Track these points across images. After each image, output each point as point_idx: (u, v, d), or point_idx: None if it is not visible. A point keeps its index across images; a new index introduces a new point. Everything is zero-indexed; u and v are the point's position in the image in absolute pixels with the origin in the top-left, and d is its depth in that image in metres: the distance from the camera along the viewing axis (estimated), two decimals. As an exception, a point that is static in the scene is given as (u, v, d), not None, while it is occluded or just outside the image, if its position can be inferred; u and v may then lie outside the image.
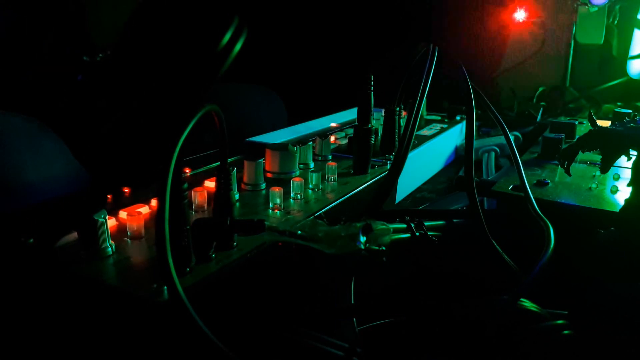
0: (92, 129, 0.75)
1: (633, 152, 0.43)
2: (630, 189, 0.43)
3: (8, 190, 0.53)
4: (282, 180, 0.53)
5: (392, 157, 0.61)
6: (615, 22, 1.13)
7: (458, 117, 0.89)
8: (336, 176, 0.54)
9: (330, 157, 0.62)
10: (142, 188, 0.47)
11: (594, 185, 0.53)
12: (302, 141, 0.58)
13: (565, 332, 0.32)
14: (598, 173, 0.56)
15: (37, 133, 0.60)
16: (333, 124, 0.79)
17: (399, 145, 0.51)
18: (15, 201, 0.54)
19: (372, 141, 0.57)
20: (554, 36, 1.23)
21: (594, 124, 0.47)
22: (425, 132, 0.78)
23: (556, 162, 0.62)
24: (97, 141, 0.71)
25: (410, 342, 0.33)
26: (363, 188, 0.53)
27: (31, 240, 0.36)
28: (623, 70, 1.12)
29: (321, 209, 0.46)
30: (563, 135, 0.67)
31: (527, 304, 0.33)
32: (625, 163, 0.49)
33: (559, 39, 1.22)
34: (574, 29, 1.16)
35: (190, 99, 0.30)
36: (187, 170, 0.54)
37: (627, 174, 0.51)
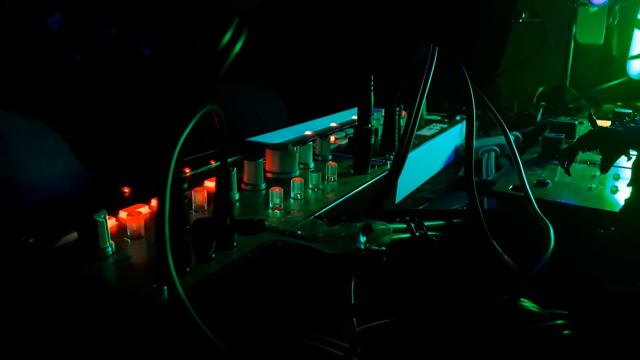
0: (94, 128, 0.75)
1: (633, 152, 0.44)
2: (630, 189, 0.43)
3: (12, 189, 0.53)
4: (282, 180, 0.53)
5: (392, 157, 0.61)
6: (615, 22, 1.13)
7: (458, 117, 0.89)
8: (336, 176, 0.54)
9: (330, 157, 0.62)
10: (142, 188, 0.47)
11: (594, 185, 0.53)
12: (302, 141, 0.58)
13: (565, 332, 0.32)
14: (598, 173, 0.56)
15: (40, 133, 0.60)
16: (333, 124, 0.79)
17: (399, 145, 0.51)
18: (19, 200, 0.54)
19: (372, 141, 0.57)
20: (554, 36, 1.23)
21: (594, 124, 0.47)
22: (425, 132, 0.78)
23: (556, 162, 0.62)
24: (99, 141, 0.72)
25: (410, 342, 0.33)
26: (363, 188, 0.53)
27: (31, 240, 0.36)
28: (623, 70, 1.13)
29: (321, 209, 0.46)
30: (563, 135, 0.67)
31: (527, 304, 0.33)
32: (625, 163, 0.49)
33: (559, 39, 1.22)
34: (574, 29, 1.16)
35: (190, 99, 0.30)
36: (187, 170, 0.54)
37: (627, 174, 0.51)
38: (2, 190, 0.53)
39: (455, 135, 0.85)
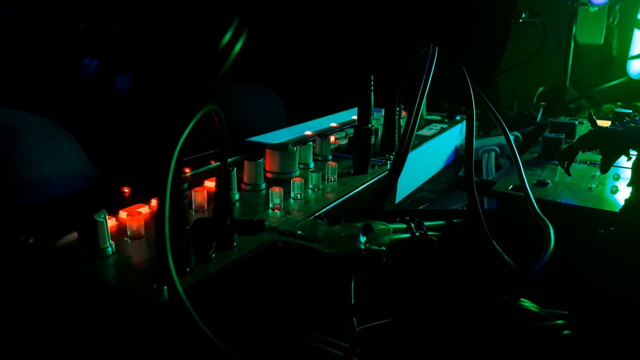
0: (93, 127, 0.75)
1: (633, 152, 0.44)
2: (630, 189, 0.43)
3: (26, 185, 0.54)
4: (282, 180, 0.53)
5: (392, 157, 0.61)
6: (615, 22, 1.13)
7: (458, 117, 0.89)
8: (336, 176, 0.54)
9: (330, 157, 0.62)
10: (143, 188, 0.47)
11: (594, 185, 0.53)
12: (302, 141, 0.58)
13: (565, 332, 0.32)
14: (598, 173, 0.56)
15: (51, 131, 0.61)
16: (333, 124, 0.79)
17: (399, 145, 0.51)
18: (33, 196, 0.55)
19: (372, 141, 0.57)
20: (554, 36, 1.23)
21: (594, 124, 0.47)
22: (425, 132, 0.78)
23: (556, 162, 0.62)
24: (100, 140, 0.72)
25: (410, 342, 0.33)
26: (363, 188, 0.53)
27: (31, 240, 0.36)
28: (623, 70, 1.12)
29: (321, 209, 0.46)
30: (563, 135, 0.67)
31: (527, 304, 0.33)
32: (625, 163, 0.49)
33: (559, 39, 1.22)
34: (574, 29, 1.16)
35: (190, 99, 0.30)
36: (187, 170, 0.54)
37: (627, 174, 0.51)
38: (17, 186, 0.54)
39: (455, 135, 0.85)
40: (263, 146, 0.56)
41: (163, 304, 0.30)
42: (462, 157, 0.84)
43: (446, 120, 0.87)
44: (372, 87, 0.56)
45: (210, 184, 0.49)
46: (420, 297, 0.36)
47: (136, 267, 0.35)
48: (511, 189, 0.52)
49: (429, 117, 0.88)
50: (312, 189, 0.50)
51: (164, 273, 0.28)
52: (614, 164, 0.45)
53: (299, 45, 1.26)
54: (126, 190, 0.46)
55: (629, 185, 0.43)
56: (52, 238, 0.37)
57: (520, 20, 1.18)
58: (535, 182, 0.54)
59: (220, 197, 0.36)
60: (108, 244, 0.36)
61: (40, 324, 0.34)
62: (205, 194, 0.45)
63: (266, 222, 0.36)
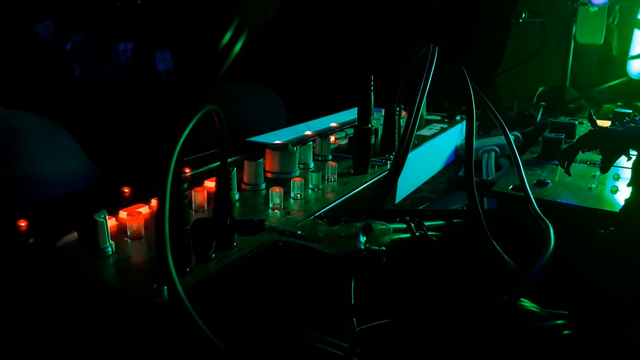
0: (100, 125, 0.75)
1: (633, 152, 0.44)
2: (630, 189, 0.43)
3: (26, 185, 0.54)
4: (282, 180, 0.53)
5: (392, 157, 0.61)
6: (615, 22, 1.13)
7: (458, 117, 0.89)
8: (336, 176, 0.54)
9: (330, 157, 0.62)
10: (143, 188, 0.47)
11: (594, 185, 0.53)
12: (302, 141, 0.58)
13: (565, 332, 0.32)
14: (598, 173, 0.56)
15: (51, 130, 0.61)
16: (333, 124, 0.79)
17: (399, 145, 0.51)
18: (34, 196, 0.55)
19: (372, 141, 0.57)
20: (554, 36, 1.23)
21: (594, 124, 0.47)
22: (425, 132, 0.78)
23: (556, 162, 0.62)
24: (104, 137, 0.72)
25: (410, 342, 0.33)
26: (363, 188, 0.53)
27: (31, 240, 0.36)
28: (623, 70, 1.12)
29: (321, 209, 0.46)
30: (563, 135, 0.67)
31: (527, 304, 0.33)
32: (625, 163, 0.49)
33: (559, 39, 1.22)
34: (574, 29, 1.16)
35: (191, 99, 0.30)
36: (187, 170, 0.54)
37: (627, 174, 0.51)
38: (17, 186, 0.54)
39: (455, 135, 0.85)
40: (263, 146, 0.56)
41: (163, 304, 0.30)
42: (462, 157, 0.84)
43: (446, 120, 0.87)
44: (372, 87, 0.56)
45: (210, 184, 0.49)
46: (420, 297, 0.36)
47: (136, 267, 0.35)
48: (511, 189, 0.52)
49: (429, 117, 0.89)
50: (312, 189, 0.50)
51: (164, 273, 0.28)
52: (614, 164, 0.45)
53: (299, 45, 1.25)
54: (126, 190, 0.46)
55: (629, 185, 0.43)
56: (52, 238, 0.36)
57: (520, 20, 1.18)
58: (535, 182, 0.54)
59: (220, 197, 0.36)
60: (108, 244, 0.36)
61: (40, 324, 0.34)
62: (205, 194, 0.45)
63: (266, 222, 0.36)
